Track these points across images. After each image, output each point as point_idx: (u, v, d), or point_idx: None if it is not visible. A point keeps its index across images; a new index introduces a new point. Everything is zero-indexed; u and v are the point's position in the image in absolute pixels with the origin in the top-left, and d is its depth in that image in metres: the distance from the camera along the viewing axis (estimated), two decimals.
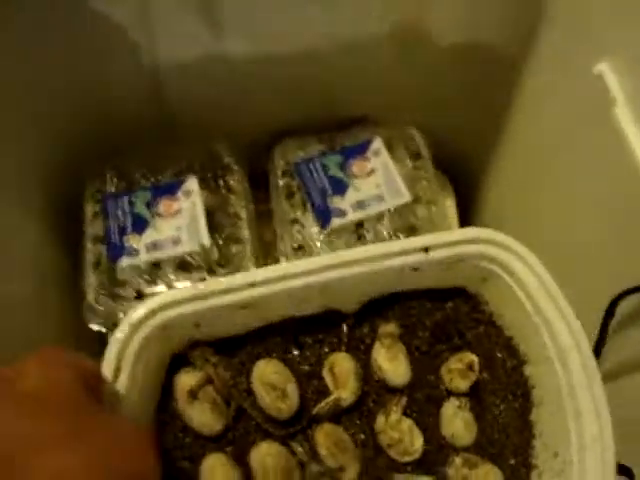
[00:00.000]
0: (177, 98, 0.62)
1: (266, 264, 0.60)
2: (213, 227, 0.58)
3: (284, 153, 0.64)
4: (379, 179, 0.62)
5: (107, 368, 0.36)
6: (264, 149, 0.64)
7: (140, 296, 0.54)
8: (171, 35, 0.55)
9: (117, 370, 0.37)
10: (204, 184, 0.60)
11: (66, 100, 0.57)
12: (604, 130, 0.46)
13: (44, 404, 0.28)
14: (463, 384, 0.42)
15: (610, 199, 0.49)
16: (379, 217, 0.60)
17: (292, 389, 0.41)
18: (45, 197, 0.58)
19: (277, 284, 0.39)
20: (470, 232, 0.41)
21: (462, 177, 0.75)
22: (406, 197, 0.61)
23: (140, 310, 0.38)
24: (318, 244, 0.59)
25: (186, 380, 0.40)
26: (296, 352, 0.43)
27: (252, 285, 0.39)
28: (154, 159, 0.61)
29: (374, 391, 0.43)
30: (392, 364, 0.42)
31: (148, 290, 0.55)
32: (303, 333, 0.44)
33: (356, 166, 0.63)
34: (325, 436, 0.40)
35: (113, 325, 0.53)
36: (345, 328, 0.44)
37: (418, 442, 0.41)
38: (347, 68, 0.62)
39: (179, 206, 0.59)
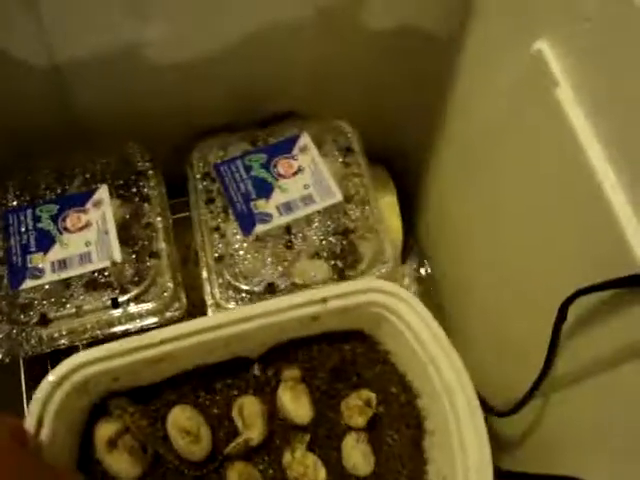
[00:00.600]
0: (84, 99, 0.57)
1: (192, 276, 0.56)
2: (126, 240, 0.55)
3: (203, 154, 0.60)
4: (307, 178, 0.58)
5: (30, 424, 0.40)
6: (184, 152, 0.60)
7: (45, 321, 0.50)
8: (68, 26, 0.49)
9: (39, 425, 0.40)
10: (116, 193, 0.56)
11: None
12: (545, 111, 0.44)
13: None
14: (361, 419, 0.46)
15: (556, 186, 0.46)
16: (308, 220, 0.56)
17: (204, 432, 0.44)
18: None
19: (186, 340, 0.43)
20: (362, 284, 0.46)
21: (404, 171, 0.71)
22: (337, 197, 0.57)
23: (60, 368, 0.41)
24: (242, 253, 0.55)
25: (105, 429, 0.43)
26: (207, 397, 0.46)
27: (163, 342, 0.42)
28: (61, 167, 0.58)
29: (280, 430, 0.46)
30: (296, 404, 0.45)
31: (54, 314, 0.51)
32: (213, 379, 0.47)
33: (282, 165, 0.59)
34: (237, 474, 0.43)
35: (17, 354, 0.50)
36: (252, 372, 0.47)
37: (321, 474, 0.45)
38: (270, 57, 0.57)
39: (88, 219, 0.55)
